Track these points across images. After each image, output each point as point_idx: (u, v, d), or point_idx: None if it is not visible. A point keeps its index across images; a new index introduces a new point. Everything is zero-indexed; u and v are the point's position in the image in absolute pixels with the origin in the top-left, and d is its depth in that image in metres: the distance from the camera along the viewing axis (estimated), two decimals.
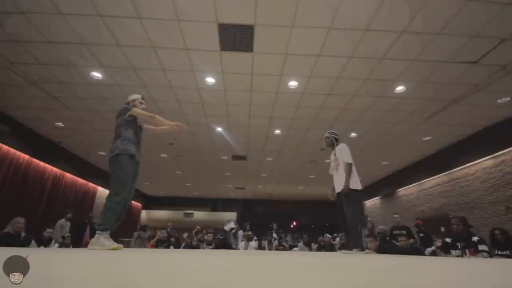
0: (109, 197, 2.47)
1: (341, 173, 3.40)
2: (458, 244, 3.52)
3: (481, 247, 3.34)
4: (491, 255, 3.49)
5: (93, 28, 3.81)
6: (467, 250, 3.41)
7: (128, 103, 2.84)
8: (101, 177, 10.75)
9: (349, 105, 5.74)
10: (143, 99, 2.93)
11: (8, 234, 4.32)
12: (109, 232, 2.41)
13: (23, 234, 4.62)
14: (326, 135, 3.74)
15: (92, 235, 6.01)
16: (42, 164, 7.76)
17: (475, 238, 3.46)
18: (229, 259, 1.43)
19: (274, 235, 8.87)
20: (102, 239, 2.33)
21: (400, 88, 5.13)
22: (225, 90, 5.37)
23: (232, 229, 8.08)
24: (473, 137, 6.92)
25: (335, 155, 3.56)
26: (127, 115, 2.65)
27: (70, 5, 3.45)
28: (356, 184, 3.32)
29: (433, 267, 1.10)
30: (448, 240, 3.75)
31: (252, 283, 0.60)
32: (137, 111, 2.68)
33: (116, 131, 2.65)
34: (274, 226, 11.16)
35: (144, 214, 15.86)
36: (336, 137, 3.68)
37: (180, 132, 2.86)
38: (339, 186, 3.39)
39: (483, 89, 4.95)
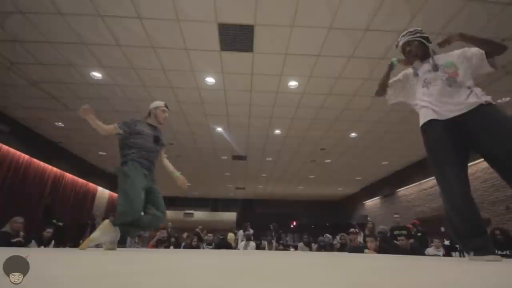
0: None
1: (468, 85, 1.87)
2: (457, 246, 3.49)
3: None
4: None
5: (93, 28, 3.81)
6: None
7: (149, 112, 2.59)
8: (101, 177, 10.76)
9: (349, 105, 5.74)
10: (166, 106, 2.64)
11: (7, 234, 4.31)
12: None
13: (21, 233, 4.62)
14: (409, 38, 2.08)
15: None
16: (42, 164, 7.77)
17: None
18: (229, 259, 1.43)
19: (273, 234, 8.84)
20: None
21: None
22: (225, 90, 5.37)
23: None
24: None
25: (435, 64, 1.94)
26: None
27: (70, 5, 3.45)
28: None
29: (433, 267, 1.10)
30: (447, 242, 3.72)
31: (252, 283, 0.60)
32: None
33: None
34: (272, 226, 10.96)
35: None
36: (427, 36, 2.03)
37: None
38: (457, 108, 1.78)
39: (483, 89, 4.95)
